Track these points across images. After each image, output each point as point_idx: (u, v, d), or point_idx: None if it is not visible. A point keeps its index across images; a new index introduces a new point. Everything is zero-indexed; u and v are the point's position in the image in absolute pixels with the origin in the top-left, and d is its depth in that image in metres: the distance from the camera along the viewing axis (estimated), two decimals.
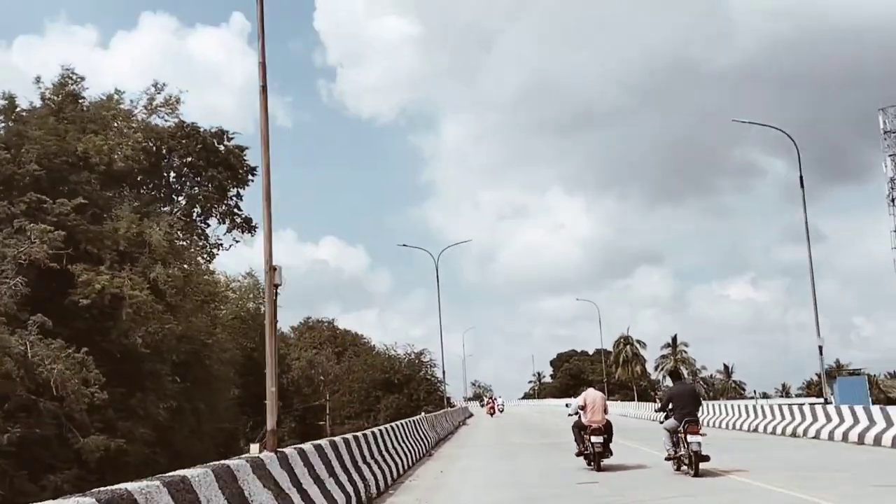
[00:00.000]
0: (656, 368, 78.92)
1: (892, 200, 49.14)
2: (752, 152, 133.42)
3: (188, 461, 9.87)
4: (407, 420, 18.59)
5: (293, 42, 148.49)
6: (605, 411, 12.86)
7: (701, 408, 12.94)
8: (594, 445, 12.47)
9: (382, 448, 12.86)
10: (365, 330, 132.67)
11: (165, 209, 28.56)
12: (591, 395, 13.10)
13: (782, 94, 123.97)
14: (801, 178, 26.34)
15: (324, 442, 9.38)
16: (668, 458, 11.92)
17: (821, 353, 27.70)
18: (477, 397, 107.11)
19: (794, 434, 20.13)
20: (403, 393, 40.05)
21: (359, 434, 11.63)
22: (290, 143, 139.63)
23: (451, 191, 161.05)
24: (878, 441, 16.06)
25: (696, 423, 11.34)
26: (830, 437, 18.24)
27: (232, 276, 42.59)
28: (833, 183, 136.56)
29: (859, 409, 17.54)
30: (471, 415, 50.09)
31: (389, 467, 12.52)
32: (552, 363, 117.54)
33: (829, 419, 18.94)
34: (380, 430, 13.73)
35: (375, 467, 11.46)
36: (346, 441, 10.37)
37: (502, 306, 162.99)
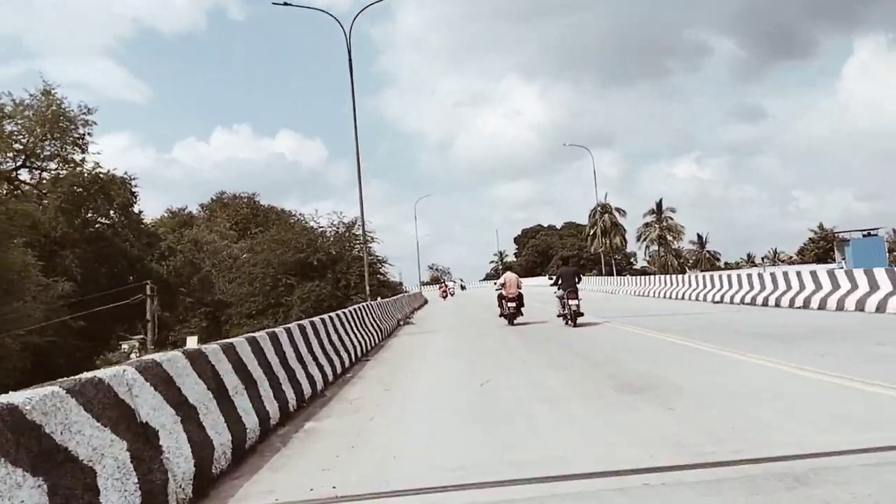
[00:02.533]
0: (639, 239, 68.32)
1: None
2: (702, 32, 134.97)
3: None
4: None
5: None
6: (519, 287, 18.51)
7: (580, 282, 17.27)
8: (509, 308, 18.14)
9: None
10: (322, 221, 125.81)
11: None
12: (509, 276, 18.74)
13: None
14: None
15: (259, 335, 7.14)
16: (558, 315, 17.13)
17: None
18: (435, 280, 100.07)
19: (804, 305, 17.79)
20: (327, 279, 27.75)
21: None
22: (244, 36, 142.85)
23: (407, 80, 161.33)
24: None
25: (575, 292, 16.35)
26: (839, 306, 16.32)
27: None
28: (776, 60, 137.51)
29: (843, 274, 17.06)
30: (424, 302, 42.36)
31: None
32: (516, 240, 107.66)
33: (835, 286, 17.07)
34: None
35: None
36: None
37: (461, 192, 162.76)
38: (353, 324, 13.21)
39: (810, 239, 78.04)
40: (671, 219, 66.93)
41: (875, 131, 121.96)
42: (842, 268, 28.73)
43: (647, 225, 67.46)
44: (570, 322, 16.08)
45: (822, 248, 73.92)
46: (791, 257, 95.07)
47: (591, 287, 42.16)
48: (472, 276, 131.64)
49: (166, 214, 49.46)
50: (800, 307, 17.54)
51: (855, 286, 16.17)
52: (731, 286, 22.27)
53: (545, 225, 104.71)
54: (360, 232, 31.04)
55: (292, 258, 28.30)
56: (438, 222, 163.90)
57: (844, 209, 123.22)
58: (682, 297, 25.67)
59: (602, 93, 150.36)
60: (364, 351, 13.27)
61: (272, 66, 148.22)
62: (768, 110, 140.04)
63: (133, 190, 31.18)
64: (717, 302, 22.20)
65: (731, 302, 21.18)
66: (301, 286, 27.93)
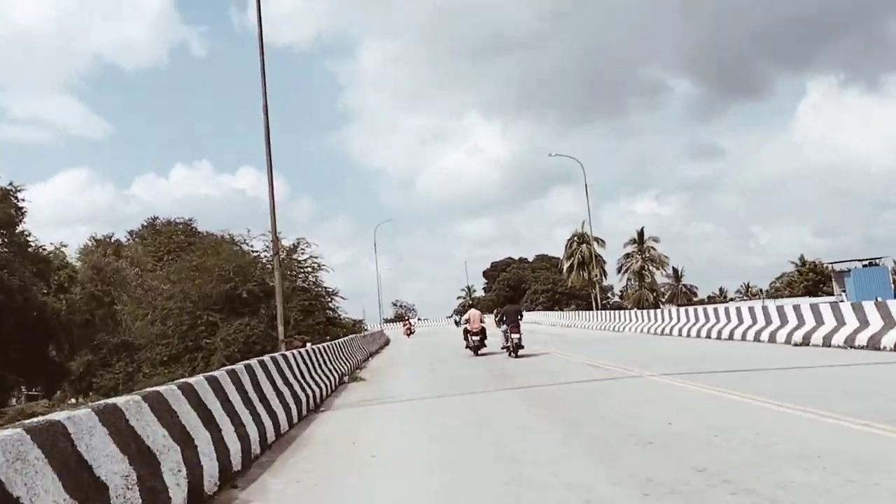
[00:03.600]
0: (619, 271, 63.38)
1: None
2: (659, 71, 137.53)
3: None
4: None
5: None
6: (482, 321, 20.86)
7: (522, 318, 19.33)
8: (474, 341, 20.20)
9: None
10: None
11: None
12: (472, 312, 21.26)
13: (686, 10, 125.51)
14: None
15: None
16: (502, 348, 19.33)
17: None
18: (399, 318, 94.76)
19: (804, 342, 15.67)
20: (260, 315, 21.73)
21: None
22: (206, 73, 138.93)
23: (369, 117, 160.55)
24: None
25: (517, 327, 18.50)
26: (849, 342, 14.22)
27: None
28: (733, 99, 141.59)
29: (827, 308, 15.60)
30: (385, 343, 36.87)
31: None
32: (485, 274, 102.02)
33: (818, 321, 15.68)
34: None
35: None
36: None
37: (423, 230, 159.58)
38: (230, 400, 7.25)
39: (798, 271, 74.18)
40: (654, 249, 62.14)
41: (828, 169, 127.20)
42: (842, 300, 27.99)
43: (628, 255, 62.59)
44: (512, 353, 18.49)
45: (812, 280, 70.30)
46: (761, 290, 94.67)
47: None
48: (437, 312, 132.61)
49: (90, 242, 42.98)
50: (798, 344, 15.63)
51: (865, 322, 14.05)
52: (708, 320, 21.47)
53: (516, 258, 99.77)
54: (304, 257, 25.26)
55: (216, 289, 22.25)
56: (402, 259, 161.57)
57: (801, 245, 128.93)
58: (664, 333, 24.55)
59: (562, 130, 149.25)
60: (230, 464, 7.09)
61: (233, 103, 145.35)
62: (725, 148, 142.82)
63: (19, 205, 24.95)
64: (704, 337, 21.05)
65: (720, 338, 19.81)
66: (227, 324, 21.88)
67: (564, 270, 66.57)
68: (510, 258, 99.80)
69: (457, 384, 12.92)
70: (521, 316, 19.43)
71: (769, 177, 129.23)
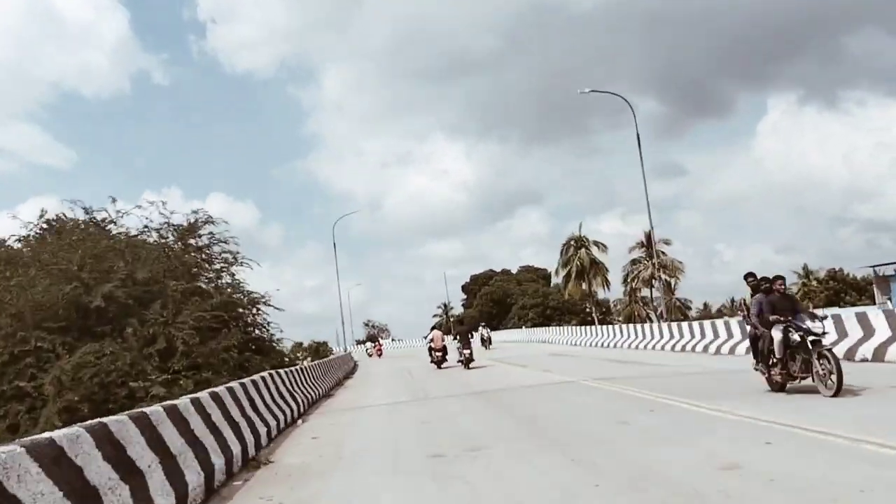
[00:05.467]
0: (626, 280, 54.75)
1: None
2: (623, 91, 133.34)
3: None
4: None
5: None
6: (443, 341, 24.66)
7: (473, 338, 24.71)
8: (437, 356, 24.25)
9: None
10: (260, 283, 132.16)
11: None
12: (436, 333, 25.14)
13: (647, 30, 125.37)
14: (637, 136, 28.73)
15: None
16: (458, 361, 23.37)
17: None
18: (372, 339, 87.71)
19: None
20: (128, 336, 12.99)
21: None
22: (169, 101, 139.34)
23: (334, 141, 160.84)
24: None
25: (469, 344, 22.86)
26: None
27: None
28: (695, 119, 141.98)
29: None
30: (351, 370, 31.44)
31: None
32: (465, 288, 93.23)
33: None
34: None
35: None
36: None
37: (391, 252, 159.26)
38: None
39: (816, 280, 66.58)
40: (664, 253, 53.66)
41: (788, 187, 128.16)
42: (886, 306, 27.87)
43: (634, 262, 54.15)
44: (465, 365, 22.73)
45: (833, 289, 62.90)
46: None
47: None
48: (412, 332, 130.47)
49: None
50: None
51: None
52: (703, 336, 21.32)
53: (498, 269, 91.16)
54: (213, 232, 16.25)
55: (50, 296, 13.22)
56: (372, 281, 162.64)
57: (763, 261, 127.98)
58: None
59: (527, 151, 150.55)
60: None
61: (199, 130, 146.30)
62: (687, 167, 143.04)
63: None
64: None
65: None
66: (73, 353, 12.90)
67: (561, 279, 57.80)
68: (491, 270, 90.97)
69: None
70: (472, 336, 24.95)
71: (731, 195, 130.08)
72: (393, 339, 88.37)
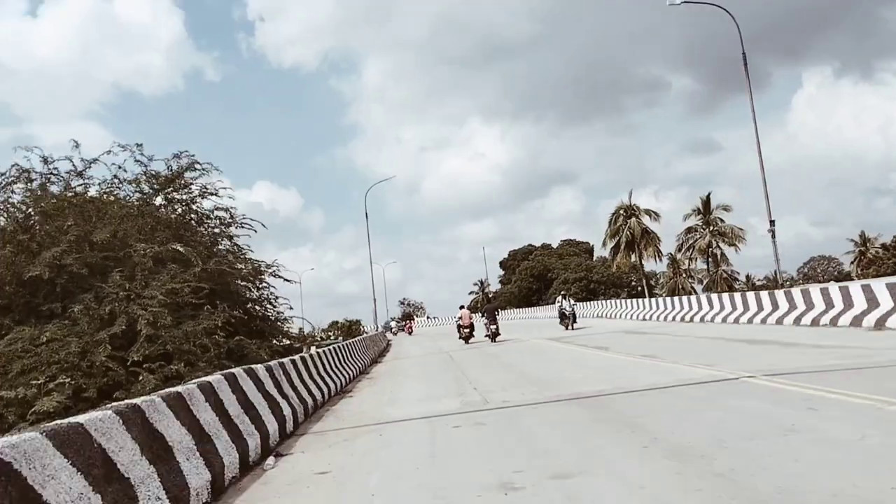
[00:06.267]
0: (680, 249, 50.29)
1: None
2: (657, 69, 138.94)
3: None
4: None
5: None
6: (471, 318, 27.52)
7: (499, 314, 27.89)
8: (464, 332, 26.93)
9: None
10: (299, 264, 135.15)
11: None
12: (464, 312, 27.69)
13: (682, 9, 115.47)
14: (743, 54, 26.96)
15: None
16: (485, 335, 26.29)
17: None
18: (408, 317, 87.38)
19: None
20: (76, 316, 10.35)
21: None
22: (220, 96, 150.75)
23: (374, 129, 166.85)
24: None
25: (495, 320, 25.88)
26: None
27: None
28: (730, 94, 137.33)
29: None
30: (384, 349, 29.85)
31: None
32: (502, 264, 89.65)
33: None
34: None
35: None
36: None
37: (428, 234, 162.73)
38: None
39: (883, 246, 61.41)
40: (722, 220, 49.12)
41: (822, 160, 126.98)
42: None
43: (690, 230, 49.75)
44: (492, 340, 25.44)
45: None
46: (793, 277, 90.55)
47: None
48: (448, 310, 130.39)
49: None
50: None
51: None
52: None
53: (537, 245, 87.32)
54: (197, 176, 13.25)
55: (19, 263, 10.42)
56: (409, 261, 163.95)
57: (797, 234, 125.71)
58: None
59: (561, 132, 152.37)
60: None
61: (246, 122, 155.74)
62: (722, 143, 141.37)
63: None
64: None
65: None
66: (19, 332, 10.09)
67: (609, 251, 53.78)
68: (531, 245, 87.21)
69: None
70: (498, 313, 27.41)
71: (766, 169, 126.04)
72: (429, 317, 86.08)
